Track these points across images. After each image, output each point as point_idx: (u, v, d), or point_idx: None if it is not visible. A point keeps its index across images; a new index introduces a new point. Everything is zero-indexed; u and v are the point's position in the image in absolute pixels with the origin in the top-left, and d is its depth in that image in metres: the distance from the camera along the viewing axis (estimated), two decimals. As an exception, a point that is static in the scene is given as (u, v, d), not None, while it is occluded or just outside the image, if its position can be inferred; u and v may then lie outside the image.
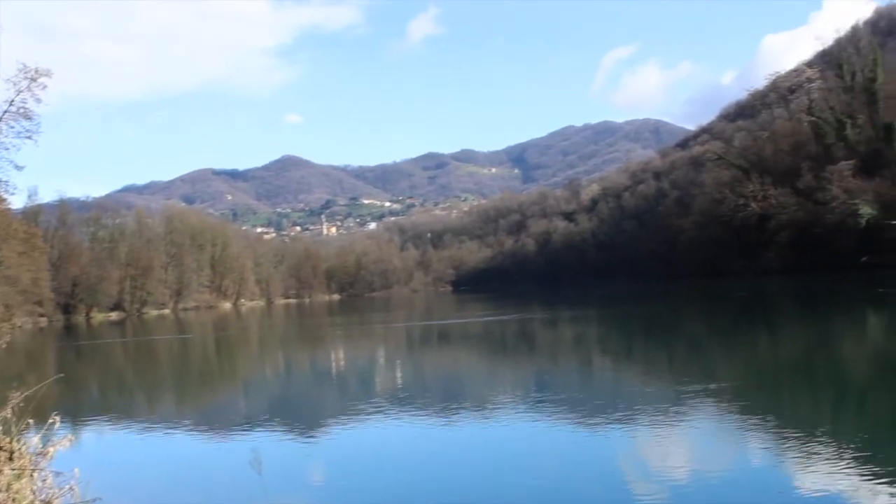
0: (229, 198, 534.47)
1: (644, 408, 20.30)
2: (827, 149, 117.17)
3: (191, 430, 22.19)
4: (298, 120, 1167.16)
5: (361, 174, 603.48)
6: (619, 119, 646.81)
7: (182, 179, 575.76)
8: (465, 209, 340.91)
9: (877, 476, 12.45)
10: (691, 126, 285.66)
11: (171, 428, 22.55)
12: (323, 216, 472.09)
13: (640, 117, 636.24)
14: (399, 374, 34.40)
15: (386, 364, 39.59)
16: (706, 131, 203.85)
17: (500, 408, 22.40)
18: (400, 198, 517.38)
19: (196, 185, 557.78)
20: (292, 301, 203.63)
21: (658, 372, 29.52)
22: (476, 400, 24.72)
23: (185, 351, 57.59)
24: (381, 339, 57.34)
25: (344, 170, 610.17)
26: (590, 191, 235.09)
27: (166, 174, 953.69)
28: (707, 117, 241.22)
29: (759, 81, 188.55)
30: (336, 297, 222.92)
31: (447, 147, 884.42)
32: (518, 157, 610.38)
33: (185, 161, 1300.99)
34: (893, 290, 54.92)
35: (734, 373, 27.12)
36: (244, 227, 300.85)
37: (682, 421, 18.70)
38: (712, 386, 23.26)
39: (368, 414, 22.32)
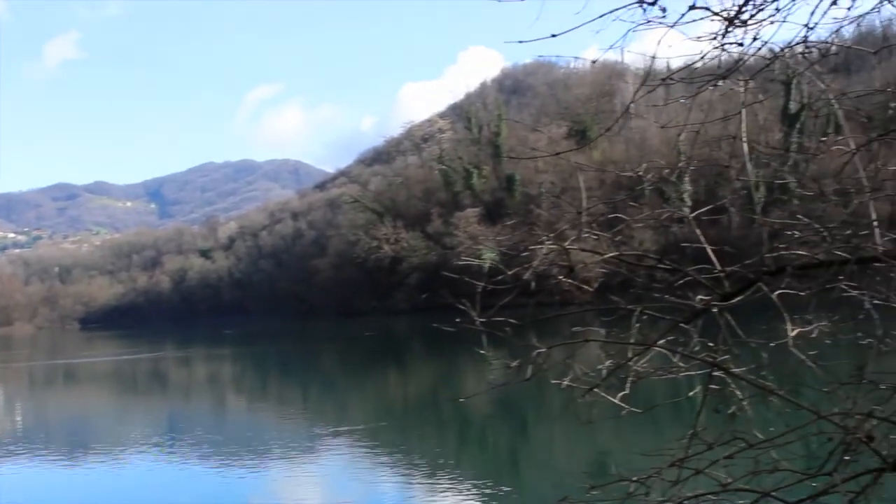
0: None
1: (278, 448, 20.91)
2: (455, 196, 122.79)
3: None
4: None
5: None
6: (260, 158, 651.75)
7: None
8: (97, 243, 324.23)
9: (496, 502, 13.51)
10: (330, 168, 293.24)
11: None
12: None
13: (281, 157, 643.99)
14: (19, 418, 32.97)
15: (4, 406, 37.81)
16: (344, 174, 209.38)
17: (131, 450, 22.09)
18: (25, 229, 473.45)
19: None
20: None
21: (293, 412, 30.34)
22: (105, 443, 24.13)
23: None
24: (-2, 379, 52.70)
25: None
26: (227, 228, 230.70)
27: None
28: (345, 161, 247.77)
29: (396, 129, 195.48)
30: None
31: (80, 178, 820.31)
32: (155, 191, 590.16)
33: None
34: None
35: (366, 412, 28.24)
36: None
37: (316, 460, 19.44)
38: (346, 425, 24.07)
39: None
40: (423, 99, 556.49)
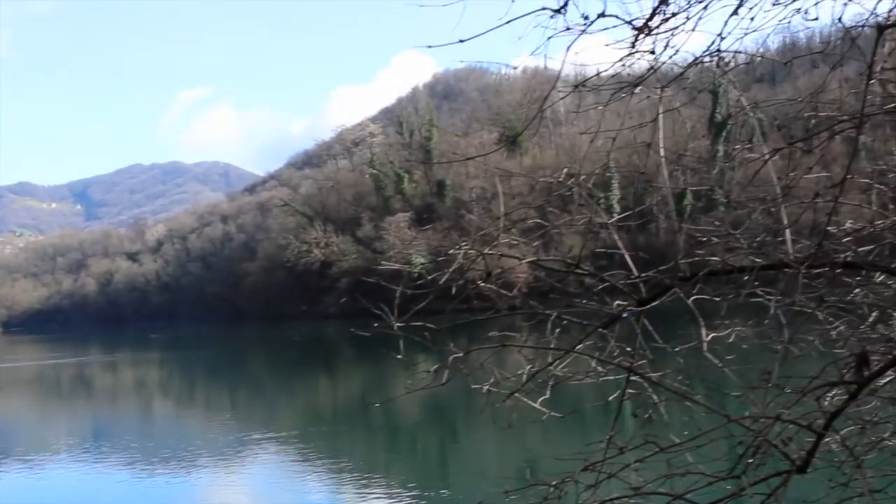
0: None
1: (207, 454, 20.74)
2: (386, 200, 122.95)
3: None
4: None
5: None
6: (189, 160, 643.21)
7: None
8: (21, 245, 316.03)
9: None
10: (260, 172, 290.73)
11: None
12: None
13: (210, 160, 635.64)
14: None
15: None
16: (274, 178, 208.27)
17: (55, 457, 21.51)
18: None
19: None
20: None
21: (221, 417, 30.18)
22: (28, 450, 23.56)
23: None
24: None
25: None
26: (155, 231, 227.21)
27: None
28: (276, 164, 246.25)
29: (327, 133, 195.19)
30: None
31: (3, 178, 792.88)
32: (81, 193, 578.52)
33: None
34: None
35: (295, 417, 28.50)
36: None
37: (244, 466, 19.32)
38: (275, 431, 24.03)
39: None
40: (355, 103, 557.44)
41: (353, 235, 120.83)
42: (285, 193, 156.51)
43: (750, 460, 3.61)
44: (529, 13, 3.27)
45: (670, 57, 3.57)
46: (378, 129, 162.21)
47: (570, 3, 3.31)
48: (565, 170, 4.49)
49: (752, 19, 3.41)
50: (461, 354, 4.03)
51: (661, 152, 4.08)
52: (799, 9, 3.50)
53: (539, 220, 4.41)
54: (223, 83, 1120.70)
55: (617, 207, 71.61)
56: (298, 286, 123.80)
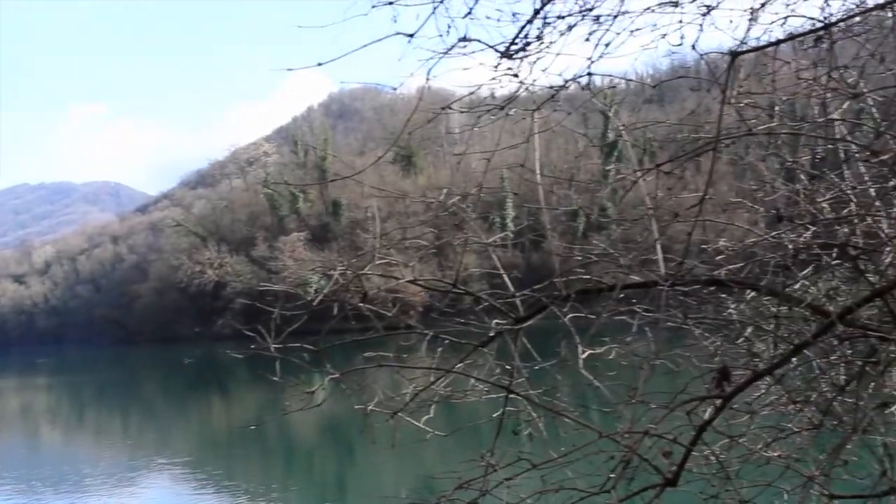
0: None
1: (98, 480, 20.44)
2: (281, 220, 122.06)
3: None
4: None
5: None
6: (78, 180, 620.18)
7: None
8: None
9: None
10: (152, 191, 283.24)
11: None
12: None
13: (101, 179, 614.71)
14: None
15: None
16: (167, 197, 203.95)
17: None
18: None
19: None
20: None
21: (112, 443, 29.94)
22: None
23: None
24: None
25: None
26: (43, 253, 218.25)
27: None
28: (168, 184, 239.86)
29: (221, 152, 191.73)
30: None
31: None
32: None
33: None
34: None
35: (189, 441, 28.28)
36: None
37: (136, 493, 19.07)
38: (167, 456, 23.79)
39: None
40: (250, 121, 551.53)
41: (247, 255, 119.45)
42: (178, 213, 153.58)
43: (612, 475, 3.68)
44: (384, 38, 3.34)
45: (535, 80, 3.67)
46: (273, 149, 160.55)
47: (421, 28, 3.38)
48: (445, 190, 4.54)
49: (607, 45, 3.54)
50: (337, 375, 4.03)
51: (539, 177, 4.17)
52: (664, 35, 3.64)
53: (419, 240, 4.45)
54: (116, 100, 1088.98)
55: (511, 226, 72.66)
56: (192, 307, 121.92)
